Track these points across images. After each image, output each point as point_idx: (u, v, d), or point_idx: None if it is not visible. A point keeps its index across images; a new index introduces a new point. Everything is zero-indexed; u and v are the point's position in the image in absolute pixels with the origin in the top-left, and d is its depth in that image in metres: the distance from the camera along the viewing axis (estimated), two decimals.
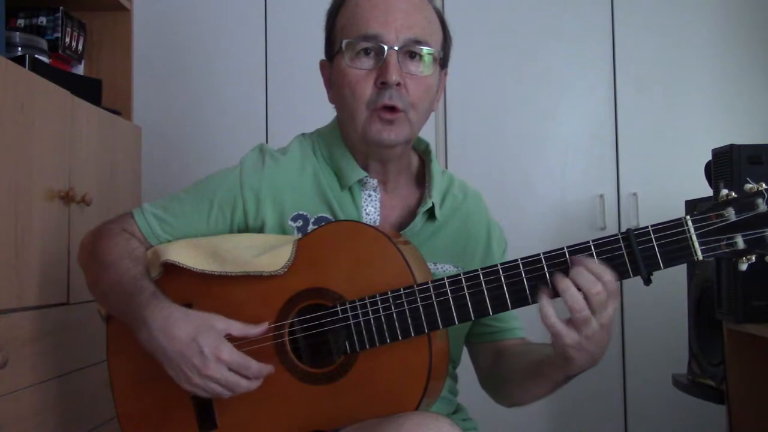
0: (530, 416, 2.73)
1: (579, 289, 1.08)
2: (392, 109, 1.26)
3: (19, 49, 1.87)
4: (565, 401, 2.76)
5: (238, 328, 1.21)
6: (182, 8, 2.88)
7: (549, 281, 1.11)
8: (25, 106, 1.55)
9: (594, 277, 1.08)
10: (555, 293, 1.11)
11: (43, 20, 2.07)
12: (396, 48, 1.26)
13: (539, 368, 1.24)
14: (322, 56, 1.40)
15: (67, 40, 2.11)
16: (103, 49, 2.35)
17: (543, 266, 1.12)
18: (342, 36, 1.30)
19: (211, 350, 1.16)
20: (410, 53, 1.28)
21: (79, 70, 2.22)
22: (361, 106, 1.27)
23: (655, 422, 2.78)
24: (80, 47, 2.19)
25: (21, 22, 2.08)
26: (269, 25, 2.87)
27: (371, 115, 1.27)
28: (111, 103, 2.22)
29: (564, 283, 1.09)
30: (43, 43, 1.97)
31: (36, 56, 1.86)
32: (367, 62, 1.28)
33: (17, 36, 1.89)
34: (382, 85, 1.26)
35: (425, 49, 1.28)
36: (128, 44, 2.38)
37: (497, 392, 1.40)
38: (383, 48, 1.26)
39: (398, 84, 1.25)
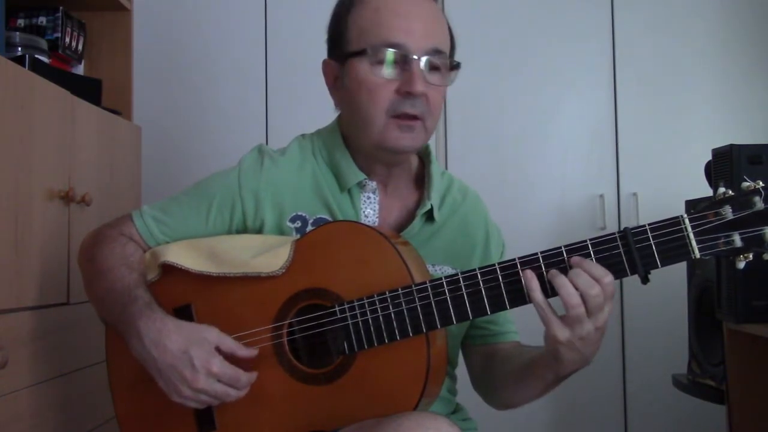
0: (530, 416, 2.73)
1: (576, 290, 1.09)
2: (413, 116, 1.26)
3: (19, 49, 1.87)
4: (565, 401, 2.76)
5: (228, 344, 1.22)
6: (182, 8, 2.88)
7: (546, 280, 1.11)
8: (25, 106, 1.55)
9: (592, 279, 1.09)
10: (550, 291, 1.11)
11: (43, 20, 2.08)
12: (420, 57, 1.25)
13: (530, 368, 1.25)
14: (322, 56, 1.38)
15: (67, 40, 2.11)
16: (103, 49, 2.35)
17: (541, 265, 1.12)
18: (361, 40, 1.28)
19: (202, 363, 1.18)
20: (431, 63, 1.27)
21: (79, 70, 2.22)
22: (379, 113, 1.26)
23: (655, 422, 2.78)
24: (80, 47, 2.19)
25: (21, 22, 2.08)
26: (269, 25, 2.87)
27: (389, 122, 1.26)
28: (111, 103, 2.22)
29: (560, 279, 1.09)
30: (43, 43, 1.97)
31: (36, 56, 1.86)
32: (388, 70, 1.26)
33: (17, 36, 1.89)
34: (406, 94, 1.25)
35: (447, 60, 1.28)
36: (128, 44, 2.38)
37: (489, 393, 1.40)
38: (408, 57, 1.25)
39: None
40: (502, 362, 1.35)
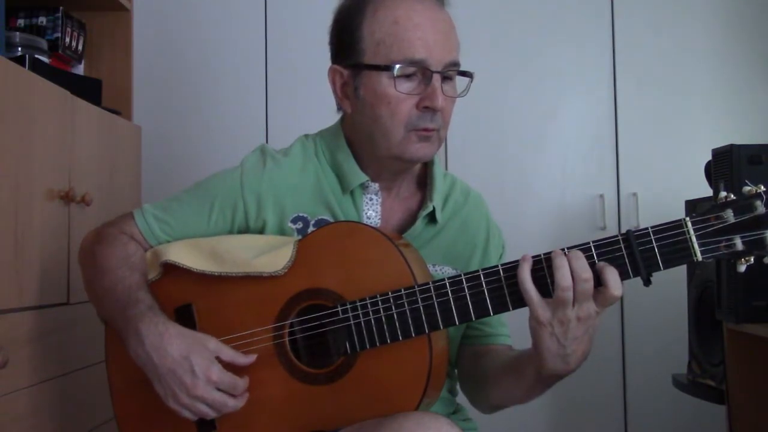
0: (530, 416, 2.73)
1: (571, 273, 1.09)
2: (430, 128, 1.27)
3: (19, 49, 1.87)
4: (565, 401, 2.76)
5: (228, 353, 1.22)
6: (182, 8, 2.88)
7: (547, 276, 1.12)
8: (25, 106, 1.55)
9: (588, 266, 1.09)
10: (544, 291, 1.12)
11: (43, 20, 2.08)
12: (440, 72, 1.25)
13: (514, 363, 1.26)
14: (323, 56, 1.37)
15: (67, 40, 2.11)
16: (103, 49, 2.35)
17: (543, 267, 1.13)
18: (380, 54, 1.26)
19: (201, 370, 1.18)
20: (448, 75, 1.28)
21: (79, 70, 2.22)
22: (399, 127, 1.26)
23: (655, 422, 2.78)
24: (80, 47, 2.20)
25: (21, 22, 2.08)
26: (269, 25, 2.87)
27: (408, 135, 1.27)
28: (111, 103, 2.22)
29: (561, 260, 1.10)
30: (43, 43, 1.97)
31: (36, 56, 1.86)
32: (409, 85, 1.25)
33: (17, 36, 1.89)
34: (425, 109, 1.25)
35: (462, 72, 1.29)
36: (128, 44, 2.38)
37: (475, 392, 1.40)
38: (429, 72, 1.25)
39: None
40: (490, 361, 1.35)
